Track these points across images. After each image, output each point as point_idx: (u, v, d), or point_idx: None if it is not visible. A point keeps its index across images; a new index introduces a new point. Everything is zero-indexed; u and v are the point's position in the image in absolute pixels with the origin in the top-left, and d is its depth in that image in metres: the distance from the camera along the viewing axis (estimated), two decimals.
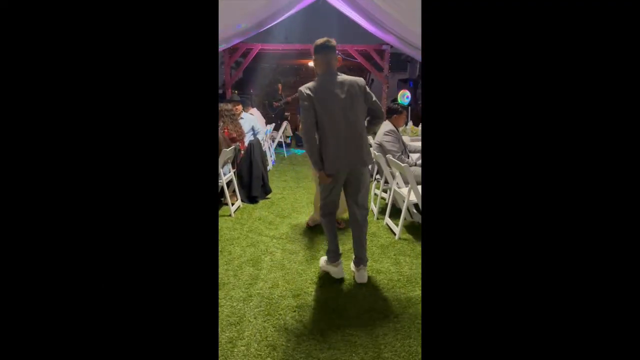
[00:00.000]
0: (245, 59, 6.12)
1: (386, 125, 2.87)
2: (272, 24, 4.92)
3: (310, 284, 1.94)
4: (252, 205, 3.25)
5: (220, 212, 3.06)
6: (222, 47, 4.75)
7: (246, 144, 3.46)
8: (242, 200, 3.25)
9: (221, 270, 2.07)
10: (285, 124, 5.83)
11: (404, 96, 6.38)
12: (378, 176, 3.10)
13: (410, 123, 5.19)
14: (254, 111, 4.64)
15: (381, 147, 2.85)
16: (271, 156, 5.17)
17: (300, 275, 2.03)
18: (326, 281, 1.97)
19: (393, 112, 2.87)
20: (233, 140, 3.20)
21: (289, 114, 7.68)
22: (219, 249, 2.34)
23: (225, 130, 3.18)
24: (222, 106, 3.25)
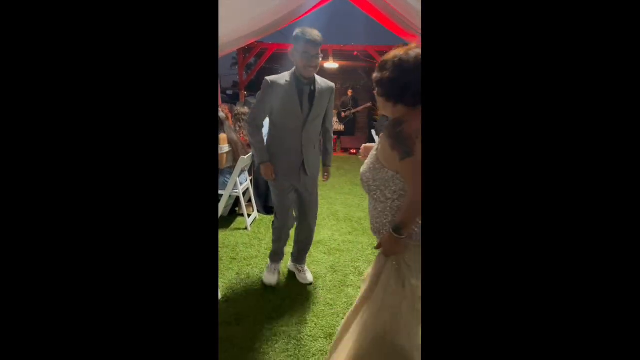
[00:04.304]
0: (259, 59, 5.90)
1: None
2: (289, 24, 4.70)
3: (342, 318, 1.67)
4: (268, 217, 2.99)
5: (236, 224, 2.81)
6: (235, 47, 4.53)
7: None
8: (257, 211, 2.99)
9: (240, 297, 1.81)
10: None
11: None
12: None
13: None
14: None
15: None
16: None
17: (330, 306, 1.76)
18: None
19: None
20: (250, 146, 2.95)
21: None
22: (236, 271, 2.08)
23: (241, 136, 2.93)
24: (239, 109, 3.01)
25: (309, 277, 1.99)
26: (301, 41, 1.47)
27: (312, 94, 1.60)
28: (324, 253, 2.35)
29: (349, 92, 6.67)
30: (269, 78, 1.57)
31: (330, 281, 2.00)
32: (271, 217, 2.96)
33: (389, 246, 0.94)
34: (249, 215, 2.78)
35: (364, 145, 1.19)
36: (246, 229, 2.70)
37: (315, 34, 1.48)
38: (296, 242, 1.97)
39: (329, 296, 1.85)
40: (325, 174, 1.88)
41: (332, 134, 1.88)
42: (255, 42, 5.17)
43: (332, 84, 1.70)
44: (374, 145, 1.03)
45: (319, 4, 4.41)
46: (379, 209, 0.98)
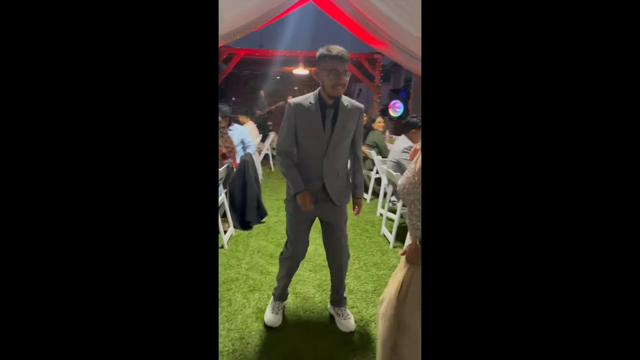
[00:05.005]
0: (227, 64, 5.66)
1: (404, 142, 2.55)
2: (260, 27, 4.54)
3: (342, 346, 1.53)
4: (246, 233, 2.79)
5: None
6: None
7: (237, 160, 3.01)
8: (234, 227, 2.78)
9: (222, 330, 1.61)
10: (272, 134, 5.40)
11: (396, 107, 6.18)
12: (393, 198, 2.76)
13: (387, 132, 4.95)
14: (250, 123, 4.21)
15: (399, 166, 2.52)
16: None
17: (325, 333, 1.62)
18: (363, 342, 1.56)
19: (411, 126, 2.55)
20: (224, 156, 2.75)
21: (271, 123, 7.27)
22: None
23: None
24: None
25: (350, 324, 1.64)
26: (327, 59, 1.37)
27: (335, 115, 1.46)
28: (310, 270, 2.20)
29: (262, 93, 6.52)
30: (291, 100, 1.47)
31: (320, 302, 1.86)
32: (248, 233, 2.78)
33: (413, 254, 1.00)
34: (225, 232, 2.57)
35: (414, 147, 1.17)
36: (222, 247, 2.49)
37: (341, 49, 1.37)
38: (333, 273, 1.69)
39: (322, 320, 1.71)
40: (356, 206, 1.62)
41: (362, 164, 1.64)
42: (223, 46, 4.94)
43: (361, 105, 1.54)
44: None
45: (291, 8, 4.31)
46: (413, 220, 1.02)
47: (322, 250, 2.49)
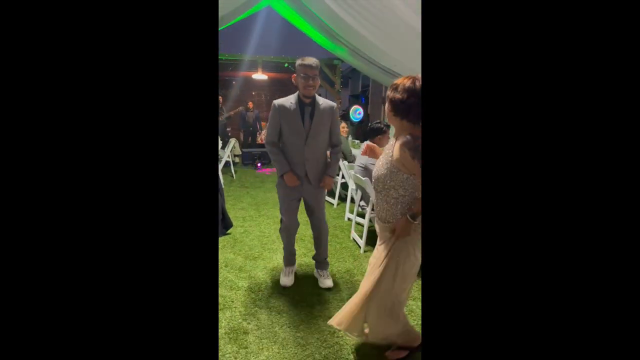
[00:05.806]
0: None
1: None
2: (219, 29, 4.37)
3: None
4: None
5: None
6: None
7: None
8: None
9: None
10: (233, 141, 5.21)
11: (356, 112, 6.30)
12: (362, 202, 2.77)
13: (350, 137, 5.05)
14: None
15: (366, 171, 2.53)
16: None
17: (303, 348, 1.55)
18: (344, 353, 1.52)
19: (376, 132, 2.58)
20: None
21: (230, 129, 7.04)
22: None
23: None
24: None
25: (328, 282, 2.07)
26: (300, 67, 1.77)
27: (312, 112, 1.83)
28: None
29: (220, 98, 6.43)
30: (276, 102, 1.85)
31: (297, 315, 1.79)
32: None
33: (404, 228, 1.21)
34: None
35: (367, 144, 1.41)
36: None
37: (312, 59, 1.77)
38: (314, 240, 2.11)
39: (299, 335, 1.64)
40: (323, 183, 1.96)
41: (340, 149, 1.98)
42: None
43: (334, 103, 1.91)
44: (384, 150, 1.27)
45: (250, 12, 4.20)
46: (391, 203, 1.23)
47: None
